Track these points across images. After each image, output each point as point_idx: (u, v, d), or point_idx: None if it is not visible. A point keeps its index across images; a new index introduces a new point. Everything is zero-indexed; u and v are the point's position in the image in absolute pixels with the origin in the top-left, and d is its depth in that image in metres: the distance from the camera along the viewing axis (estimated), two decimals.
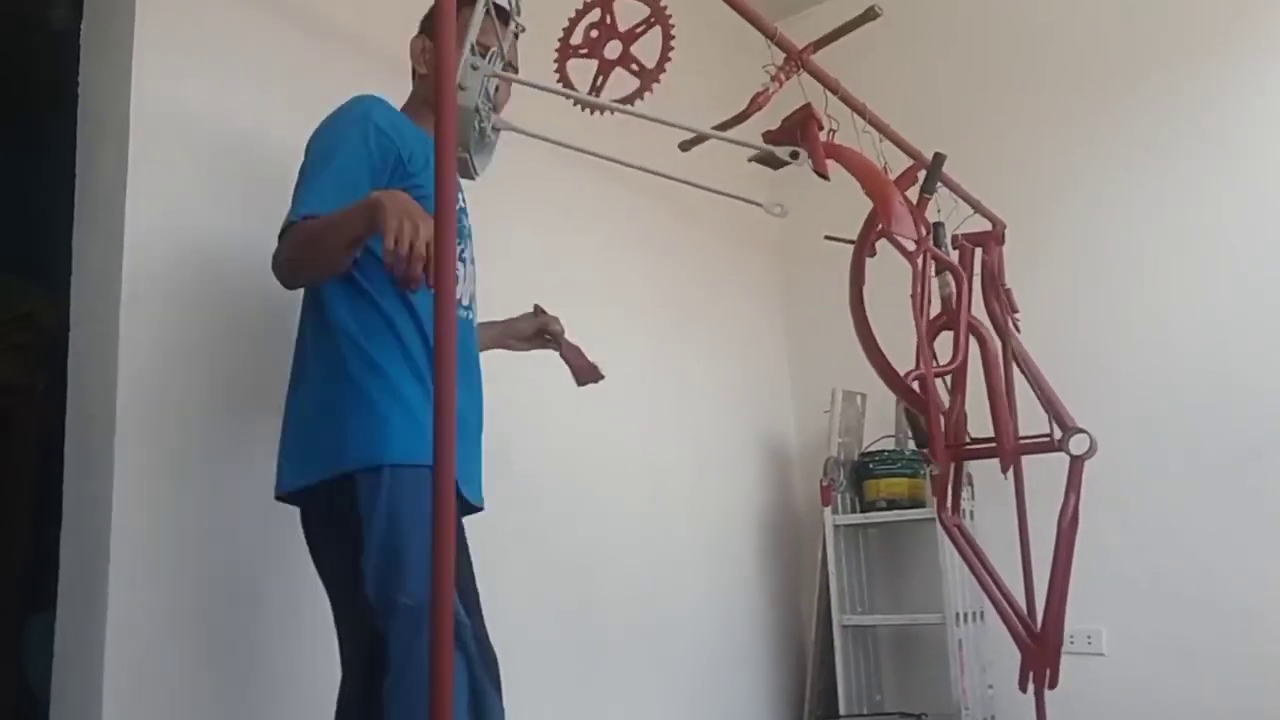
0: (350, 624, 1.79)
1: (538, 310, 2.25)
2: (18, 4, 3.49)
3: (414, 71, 2.02)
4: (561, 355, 2.23)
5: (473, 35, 1.30)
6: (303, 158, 1.82)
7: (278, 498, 1.82)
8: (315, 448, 1.75)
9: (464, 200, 1.88)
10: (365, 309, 1.78)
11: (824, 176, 2.04)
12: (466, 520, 1.87)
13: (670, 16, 1.77)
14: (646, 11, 1.78)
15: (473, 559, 1.90)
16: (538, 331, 2.24)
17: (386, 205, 1.49)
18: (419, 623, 1.48)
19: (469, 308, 1.94)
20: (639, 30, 1.80)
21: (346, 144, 1.77)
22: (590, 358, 2.22)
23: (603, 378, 2.22)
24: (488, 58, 1.32)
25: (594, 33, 1.83)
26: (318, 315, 1.82)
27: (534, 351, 2.29)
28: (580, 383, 2.22)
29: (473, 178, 1.34)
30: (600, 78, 1.79)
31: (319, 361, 1.80)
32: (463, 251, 1.87)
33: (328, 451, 1.72)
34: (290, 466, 1.79)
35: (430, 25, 1.93)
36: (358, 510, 1.66)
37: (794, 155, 1.45)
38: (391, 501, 1.65)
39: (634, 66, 1.76)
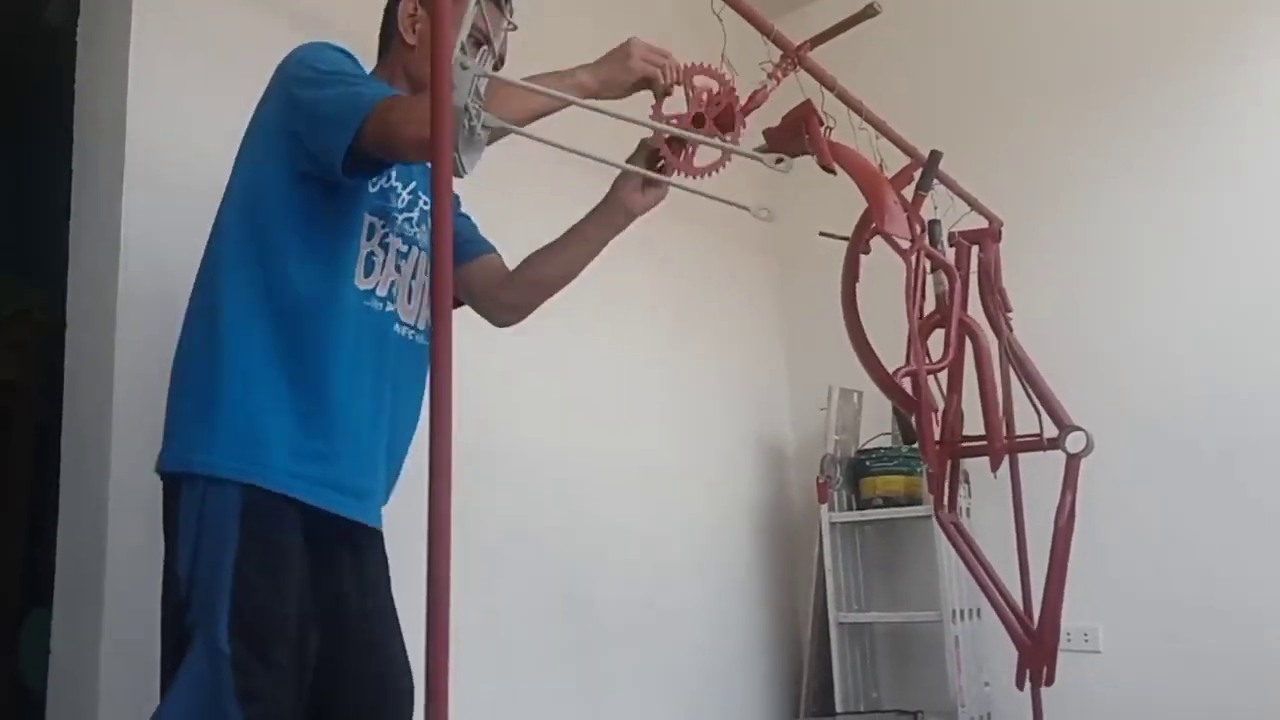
0: None
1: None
2: (14, 2, 3.48)
3: (388, 38, 1.83)
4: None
5: (463, 33, 1.29)
6: (289, 85, 1.62)
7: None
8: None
9: (393, 179, 1.74)
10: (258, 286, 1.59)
11: (831, 171, 2.04)
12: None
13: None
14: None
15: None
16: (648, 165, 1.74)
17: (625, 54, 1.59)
18: None
19: (420, 330, 1.76)
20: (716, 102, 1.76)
21: (356, 69, 1.64)
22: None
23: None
24: (478, 56, 1.31)
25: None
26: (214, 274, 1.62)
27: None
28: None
29: (461, 175, 1.33)
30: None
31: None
32: (384, 238, 1.70)
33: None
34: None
35: None
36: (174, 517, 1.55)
37: (778, 161, 1.45)
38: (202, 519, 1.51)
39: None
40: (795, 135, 2.01)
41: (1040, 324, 3.11)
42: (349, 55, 1.66)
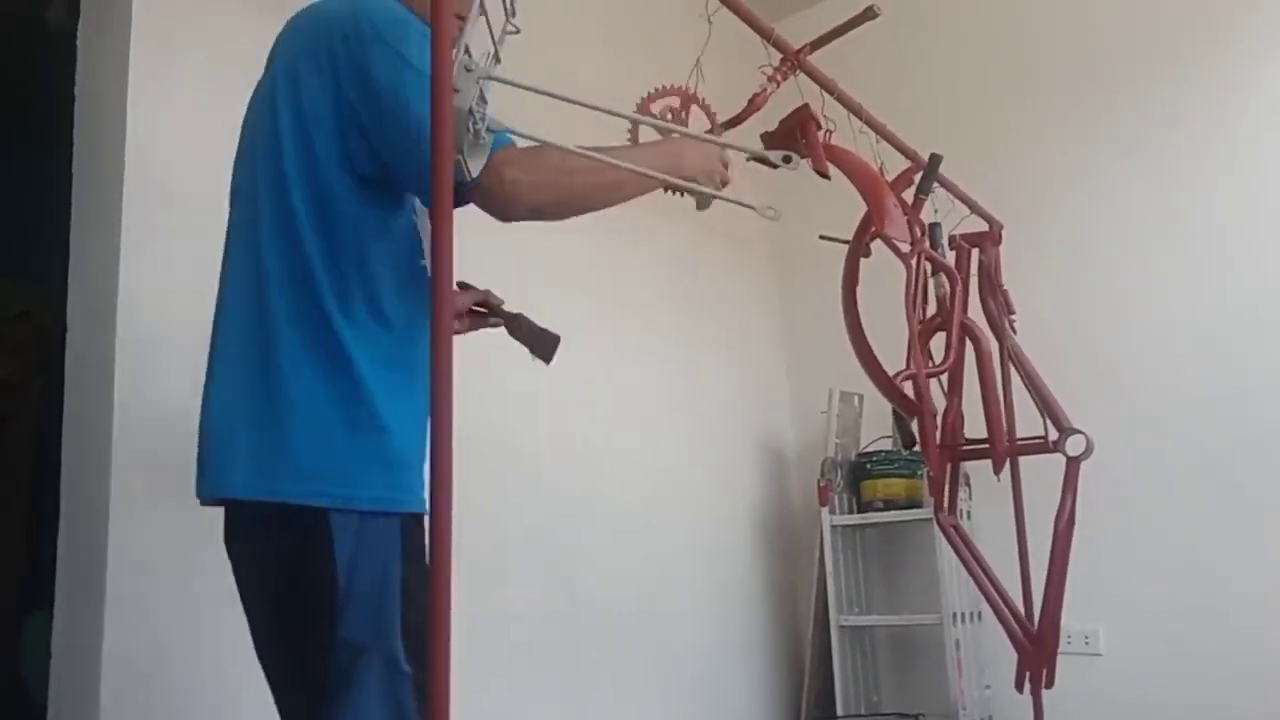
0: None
1: (463, 286, 1.78)
2: (14, 3, 3.48)
3: None
4: (511, 333, 1.79)
5: (467, 35, 1.29)
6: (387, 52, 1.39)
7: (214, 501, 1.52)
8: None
9: None
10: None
11: (825, 176, 2.04)
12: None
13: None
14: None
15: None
16: (470, 309, 1.76)
17: (693, 160, 1.52)
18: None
19: None
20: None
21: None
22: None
23: (558, 339, 1.77)
24: (484, 59, 1.31)
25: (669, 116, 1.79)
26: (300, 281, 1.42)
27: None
28: (543, 355, 1.78)
29: (466, 180, 1.33)
30: None
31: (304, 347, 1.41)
32: None
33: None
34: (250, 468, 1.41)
35: None
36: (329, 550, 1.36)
37: (786, 159, 1.45)
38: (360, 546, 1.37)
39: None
40: (792, 140, 2.01)
41: (1040, 326, 3.10)
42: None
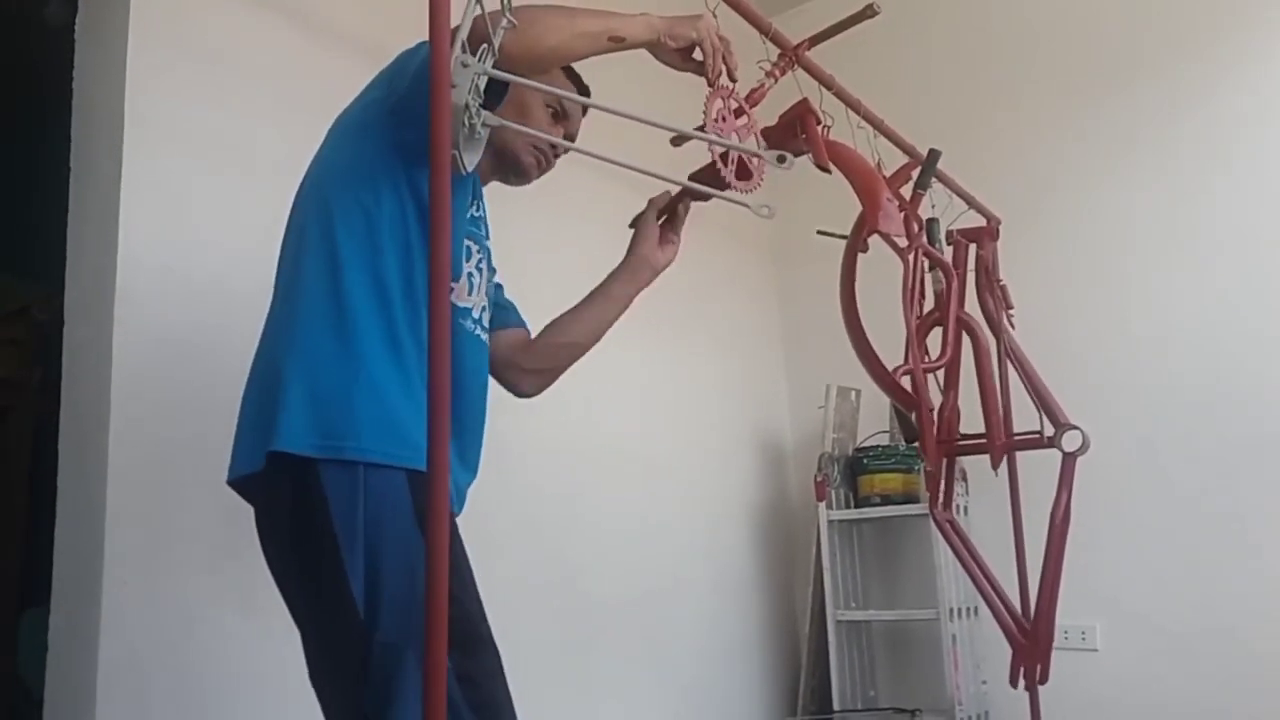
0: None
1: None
2: (13, 1, 3.48)
3: None
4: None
5: (464, 31, 1.29)
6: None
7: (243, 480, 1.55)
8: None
9: (483, 209, 1.77)
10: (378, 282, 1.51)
11: (825, 170, 2.04)
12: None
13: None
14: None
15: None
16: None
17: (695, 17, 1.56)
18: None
19: (479, 320, 1.71)
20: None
21: None
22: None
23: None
24: (479, 54, 1.32)
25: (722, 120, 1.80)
26: (330, 270, 1.50)
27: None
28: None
29: (463, 174, 1.34)
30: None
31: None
32: (479, 262, 1.71)
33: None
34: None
35: None
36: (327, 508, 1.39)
37: (781, 160, 1.45)
38: (370, 518, 1.39)
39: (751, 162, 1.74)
40: (791, 134, 2.01)
41: (1037, 321, 3.11)
42: None
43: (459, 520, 1.63)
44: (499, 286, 1.95)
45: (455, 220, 1.58)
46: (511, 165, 1.81)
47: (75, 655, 1.93)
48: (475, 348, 1.69)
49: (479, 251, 1.72)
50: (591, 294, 1.92)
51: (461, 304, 1.64)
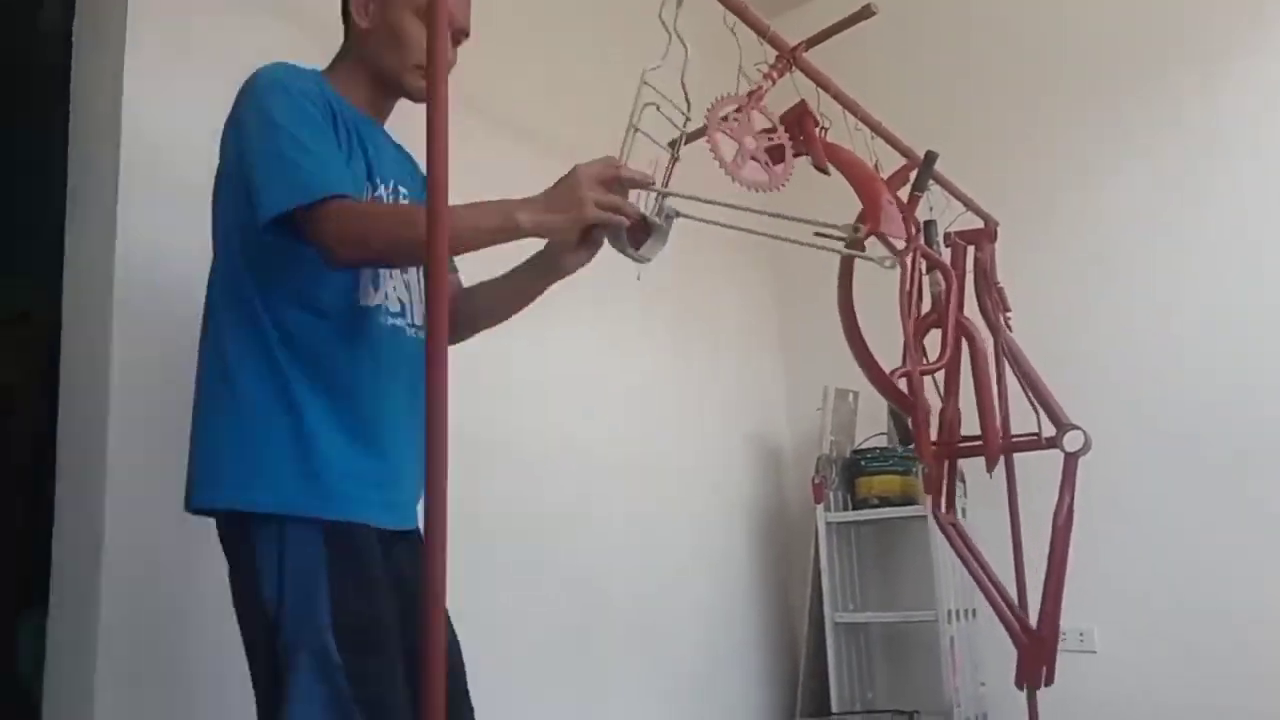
0: None
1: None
2: (9, 2, 3.48)
3: (345, 20, 1.71)
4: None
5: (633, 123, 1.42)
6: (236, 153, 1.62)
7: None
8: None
9: (405, 150, 1.75)
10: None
11: (824, 172, 2.04)
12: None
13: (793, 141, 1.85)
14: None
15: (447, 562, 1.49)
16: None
17: (574, 194, 1.46)
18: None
19: (401, 313, 1.68)
20: (770, 135, 1.85)
21: (298, 115, 1.54)
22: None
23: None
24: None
25: (734, 121, 1.82)
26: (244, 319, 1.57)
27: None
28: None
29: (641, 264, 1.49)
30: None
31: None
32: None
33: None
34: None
35: None
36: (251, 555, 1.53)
37: (855, 234, 1.57)
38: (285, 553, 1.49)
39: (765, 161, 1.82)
40: (789, 135, 2.01)
41: (1036, 323, 3.11)
42: (282, 78, 1.61)
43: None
44: None
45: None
46: (398, 93, 1.71)
47: (74, 656, 1.93)
48: (395, 343, 1.65)
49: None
50: (505, 276, 1.78)
51: (370, 304, 1.62)
